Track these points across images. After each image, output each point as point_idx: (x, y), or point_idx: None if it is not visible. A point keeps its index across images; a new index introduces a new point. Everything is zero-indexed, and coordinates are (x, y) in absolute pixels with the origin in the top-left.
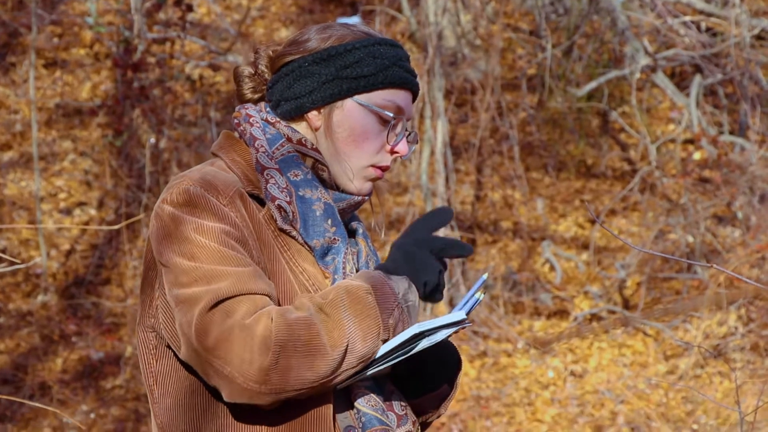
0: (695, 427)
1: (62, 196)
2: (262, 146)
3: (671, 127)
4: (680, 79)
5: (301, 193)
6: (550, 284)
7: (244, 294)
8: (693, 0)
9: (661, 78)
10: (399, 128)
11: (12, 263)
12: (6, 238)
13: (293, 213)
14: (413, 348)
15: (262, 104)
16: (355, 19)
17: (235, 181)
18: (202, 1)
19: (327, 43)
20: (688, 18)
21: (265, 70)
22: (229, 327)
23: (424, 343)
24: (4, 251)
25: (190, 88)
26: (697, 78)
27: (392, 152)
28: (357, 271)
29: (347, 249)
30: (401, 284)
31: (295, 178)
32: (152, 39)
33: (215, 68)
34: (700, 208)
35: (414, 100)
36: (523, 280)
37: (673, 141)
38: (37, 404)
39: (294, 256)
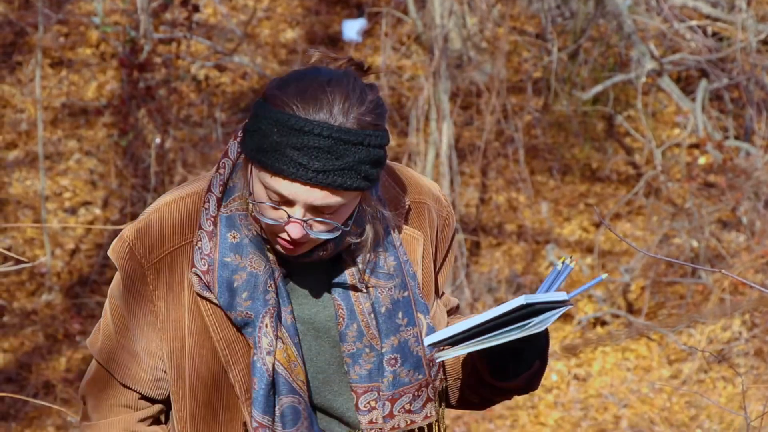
0: (699, 431)
1: (67, 195)
2: (208, 201)
3: (676, 131)
4: (686, 84)
5: (227, 260)
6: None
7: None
8: (699, 4)
9: (666, 82)
10: (277, 214)
11: (18, 262)
12: (11, 237)
13: (208, 283)
14: (520, 329)
15: None
16: (360, 21)
17: (192, 225)
18: (209, 1)
19: (272, 92)
20: (694, 22)
21: None
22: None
23: (533, 328)
24: (9, 250)
25: (195, 89)
26: (703, 82)
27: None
28: (277, 344)
29: (263, 323)
30: None
31: (232, 240)
32: (158, 39)
33: (221, 69)
34: (705, 212)
35: (357, 190)
36: (527, 283)
37: (678, 145)
38: (41, 402)
39: (217, 323)
